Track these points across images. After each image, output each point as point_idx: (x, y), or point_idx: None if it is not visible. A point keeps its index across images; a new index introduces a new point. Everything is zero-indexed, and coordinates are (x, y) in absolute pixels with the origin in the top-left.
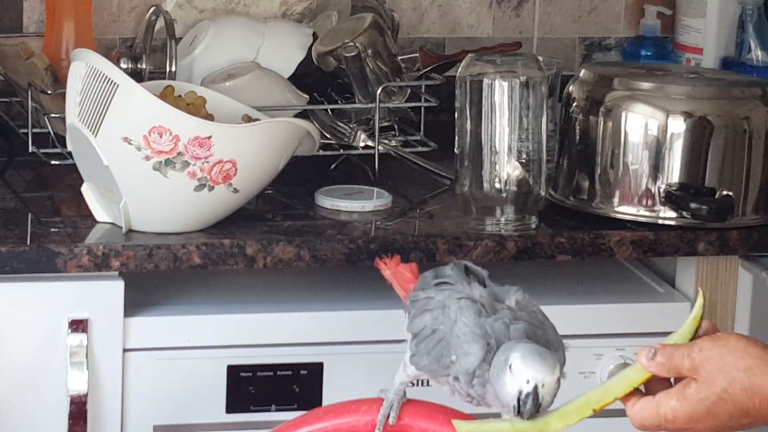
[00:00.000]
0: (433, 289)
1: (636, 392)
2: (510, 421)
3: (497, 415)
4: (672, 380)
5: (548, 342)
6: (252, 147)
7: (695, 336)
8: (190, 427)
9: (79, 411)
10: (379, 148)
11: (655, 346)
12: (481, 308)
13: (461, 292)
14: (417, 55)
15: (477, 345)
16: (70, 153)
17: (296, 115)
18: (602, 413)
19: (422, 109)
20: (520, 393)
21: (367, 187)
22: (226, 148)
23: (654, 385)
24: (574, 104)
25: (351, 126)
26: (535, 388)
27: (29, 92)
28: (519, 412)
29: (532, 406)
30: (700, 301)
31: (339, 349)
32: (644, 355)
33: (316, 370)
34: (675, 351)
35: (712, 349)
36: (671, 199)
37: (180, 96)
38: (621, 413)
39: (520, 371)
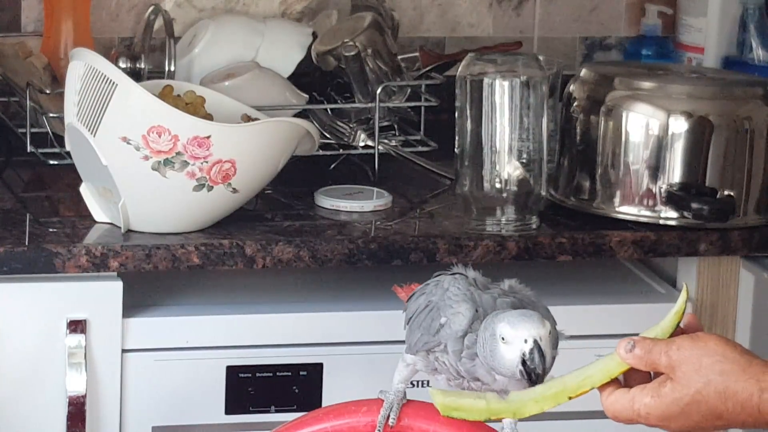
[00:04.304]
0: (432, 281)
1: (613, 382)
2: (485, 398)
3: None
4: (651, 372)
5: None
6: (251, 147)
7: (677, 328)
8: (189, 429)
9: (77, 412)
10: (379, 148)
11: (634, 339)
12: (473, 282)
13: (456, 271)
14: (417, 54)
15: (466, 304)
16: (68, 153)
17: (296, 115)
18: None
19: (422, 108)
20: (524, 355)
21: (367, 187)
22: (225, 148)
23: (632, 375)
24: (575, 104)
25: (351, 126)
26: (536, 342)
27: (27, 92)
28: (528, 374)
29: (539, 361)
30: (683, 295)
31: (339, 350)
32: (623, 346)
33: (315, 371)
34: (654, 346)
35: (690, 349)
36: (672, 199)
37: (179, 95)
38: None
39: (513, 337)
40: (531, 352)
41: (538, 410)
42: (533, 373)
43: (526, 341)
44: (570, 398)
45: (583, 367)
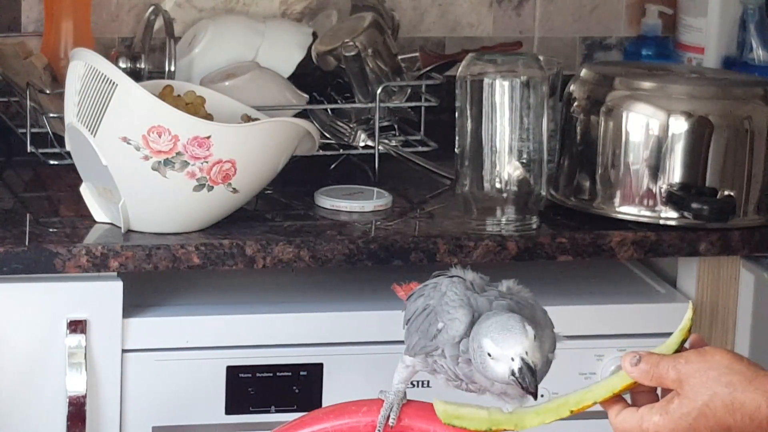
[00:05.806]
0: (430, 282)
1: (621, 401)
2: (487, 409)
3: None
4: (659, 392)
5: (535, 319)
6: (251, 147)
7: (681, 348)
8: (190, 429)
9: (77, 412)
10: (379, 148)
11: (640, 353)
12: (470, 286)
13: (454, 274)
14: (417, 54)
15: (463, 310)
16: (68, 153)
17: (296, 115)
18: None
19: (422, 108)
20: (513, 373)
21: (367, 187)
22: (226, 148)
23: (639, 396)
24: (575, 104)
25: (351, 126)
26: (523, 360)
27: (27, 92)
28: (522, 388)
29: (531, 379)
30: (689, 313)
31: (339, 350)
32: (628, 360)
33: (315, 371)
34: (660, 360)
35: (697, 362)
36: (672, 199)
37: (179, 95)
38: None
39: (500, 354)
40: (520, 371)
41: (539, 423)
42: (528, 389)
43: (513, 359)
44: (572, 412)
45: (589, 385)
